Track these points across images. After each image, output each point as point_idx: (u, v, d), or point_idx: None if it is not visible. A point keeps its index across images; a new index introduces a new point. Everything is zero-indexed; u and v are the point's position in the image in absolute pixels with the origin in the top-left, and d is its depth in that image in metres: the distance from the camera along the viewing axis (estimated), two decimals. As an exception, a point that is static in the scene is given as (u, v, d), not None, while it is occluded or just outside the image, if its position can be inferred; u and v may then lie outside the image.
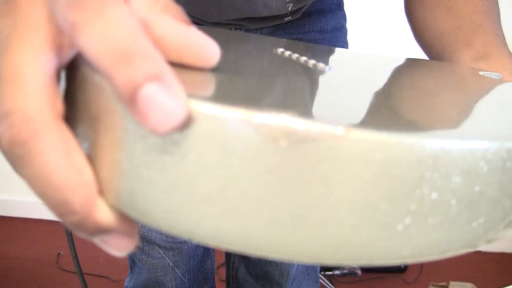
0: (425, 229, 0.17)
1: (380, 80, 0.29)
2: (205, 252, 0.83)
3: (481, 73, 0.36)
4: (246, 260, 0.86)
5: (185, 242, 0.76)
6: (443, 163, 0.17)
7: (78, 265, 0.50)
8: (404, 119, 0.19)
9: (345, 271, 1.56)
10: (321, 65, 0.26)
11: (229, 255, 0.89)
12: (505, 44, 0.45)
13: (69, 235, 0.48)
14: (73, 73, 0.20)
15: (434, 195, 0.17)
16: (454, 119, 0.21)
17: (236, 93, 0.18)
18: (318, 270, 0.91)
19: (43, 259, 1.62)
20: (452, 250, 0.18)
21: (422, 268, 1.64)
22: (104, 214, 0.19)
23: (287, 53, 0.29)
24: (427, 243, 0.18)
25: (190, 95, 0.17)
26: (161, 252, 0.76)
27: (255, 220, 0.17)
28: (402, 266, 1.59)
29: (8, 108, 0.18)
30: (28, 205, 1.86)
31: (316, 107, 0.19)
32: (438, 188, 0.17)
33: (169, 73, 0.16)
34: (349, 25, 0.70)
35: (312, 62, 0.27)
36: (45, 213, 1.83)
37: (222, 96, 0.17)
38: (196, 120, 0.16)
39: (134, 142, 0.17)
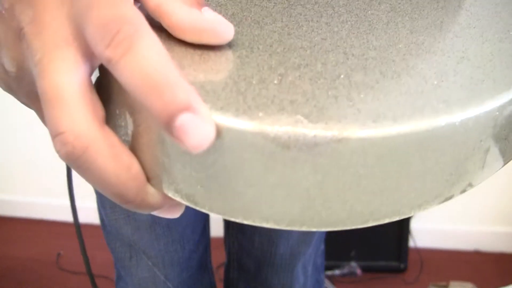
0: (423, 190, 0.21)
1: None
2: (201, 264, 0.78)
3: None
4: (247, 276, 0.82)
5: (175, 251, 0.72)
6: (435, 141, 0.20)
7: (88, 267, 0.49)
8: (402, 91, 0.21)
9: (345, 271, 1.56)
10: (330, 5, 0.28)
11: (227, 273, 0.86)
12: None
13: (80, 237, 0.48)
14: (107, 72, 0.22)
15: (429, 165, 0.21)
16: (450, 79, 0.23)
17: (251, 90, 0.21)
18: (324, 284, 0.88)
19: (43, 259, 1.62)
20: (442, 197, 0.22)
21: (422, 268, 1.63)
22: (154, 197, 0.23)
23: None
24: (424, 198, 0.21)
25: (213, 106, 0.20)
26: (149, 263, 0.71)
27: (278, 206, 0.20)
28: (402, 266, 1.59)
29: (59, 129, 0.20)
30: (28, 205, 1.86)
31: (326, 89, 0.21)
32: (432, 158, 0.20)
33: (197, 100, 0.19)
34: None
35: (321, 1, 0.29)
36: (45, 213, 1.83)
37: (241, 99, 0.20)
38: (221, 133, 0.19)
39: (170, 147, 0.21)
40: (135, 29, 0.19)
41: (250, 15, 0.26)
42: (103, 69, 0.23)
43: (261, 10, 0.27)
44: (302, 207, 0.21)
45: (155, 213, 0.24)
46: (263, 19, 0.26)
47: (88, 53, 0.21)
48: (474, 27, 0.27)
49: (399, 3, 0.29)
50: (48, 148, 1.70)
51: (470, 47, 0.25)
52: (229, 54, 0.23)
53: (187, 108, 0.18)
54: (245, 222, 0.21)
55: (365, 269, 1.57)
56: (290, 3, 0.28)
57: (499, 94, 0.21)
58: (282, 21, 0.26)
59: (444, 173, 0.21)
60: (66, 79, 0.20)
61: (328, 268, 1.54)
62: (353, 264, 1.56)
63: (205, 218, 0.76)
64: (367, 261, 1.58)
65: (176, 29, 0.22)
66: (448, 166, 0.21)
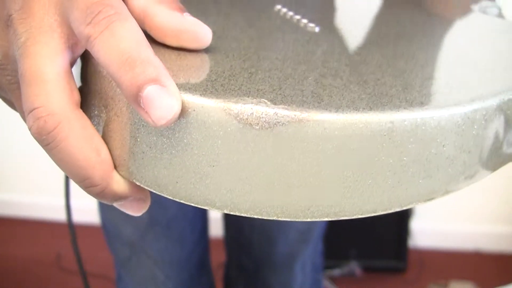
0: (385, 189, 0.21)
1: (363, 36, 0.31)
2: (201, 264, 0.77)
3: (475, 6, 0.35)
4: (246, 275, 0.82)
5: (175, 250, 0.71)
6: (397, 135, 0.20)
7: (81, 266, 0.50)
8: (366, 92, 0.22)
9: (345, 270, 1.56)
10: (311, 25, 0.30)
11: (227, 272, 0.86)
12: None
13: (73, 236, 0.48)
14: (87, 64, 0.24)
15: (391, 160, 0.21)
16: (416, 89, 0.24)
17: (221, 79, 0.22)
18: (322, 284, 0.88)
19: (43, 259, 1.62)
20: (412, 203, 0.22)
21: (422, 268, 1.64)
22: (119, 185, 0.23)
23: (283, 10, 0.32)
24: (388, 199, 0.22)
25: (181, 87, 0.20)
26: (149, 263, 0.71)
27: (239, 188, 0.21)
28: (402, 266, 1.59)
29: (34, 105, 0.21)
30: (28, 205, 1.86)
31: (293, 85, 0.22)
32: (394, 155, 0.21)
33: (166, 75, 0.20)
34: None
35: (304, 21, 0.30)
36: (45, 213, 1.83)
37: (210, 84, 0.21)
38: (187, 110, 0.20)
39: (138, 128, 0.22)
40: (115, 12, 0.21)
41: (230, 34, 0.28)
42: (84, 64, 0.25)
43: (241, 29, 0.29)
44: (262, 191, 0.21)
45: (118, 205, 0.24)
46: (241, 35, 0.28)
47: (70, 41, 0.22)
48: (442, 53, 0.29)
49: (377, 36, 0.31)
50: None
51: (439, 68, 0.26)
52: (205, 56, 0.24)
53: (154, 81, 0.19)
54: (206, 207, 0.21)
55: (365, 269, 1.57)
56: (270, 27, 0.30)
57: (463, 103, 0.22)
58: (259, 39, 0.28)
59: (406, 173, 0.21)
60: (47, 62, 0.21)
61: (328, 267, 1.54)
62: (353, 263, 1.56)
63: (204, 218, 0.76)
64: (367, 261, 1.58)
65: (158, 30, 0.23)
66: (410, 165, 0.21)
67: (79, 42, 0.23)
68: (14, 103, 0.25)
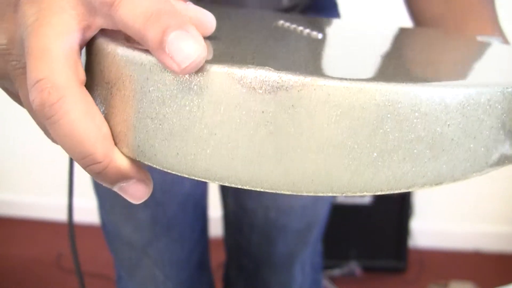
0: (391, 165, 0.21)
1: (365, 45, 0.32)
2: (201, 264, 0.77)
3: (479, 37, 0.37)
4: (245, 275, 0.81)
5: (175, 250, 0.71)
6: (402, 107, 0.20)
7: (78, 266, 0.50)
8: (371, 71, 0.22)
9: (345, 270, 1.56)
10: (314, 33, 0.31)
11: (227, 272, 0.86)
12: (498, 28, 0.44)
13: (72, 236, 0.48)
14: (91, 48, 0.25)
15: (396, 134, 0.20)
16: (419, 71, 0.24)
17: (225, 56, 0.23)
18: (321, 284, 0.88)
19: (43, 259, 1.62)
20: (418, 185, 0.22)
21: (422, 268, 1.64)
22: (122, 162, 0.23)
23: (286, 24, 0.33)
24: (394, 177, 0.21)
25: None
26: (149, 263, 0.70)
27: (241, 156, 0.21)
28: (402, 266, 1.59)
29: (38, 77, 0.21)
30: (28, 205, 1.86)
31: (296, 65, 0.23)
32: (399, 128, 0.20)
33: (190, 25, 0.21)
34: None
35: (307, 31, 0.31)
36: (45, 213, 1.83)
37: (214, 58, 0.22)
38: (190, 76, 0.21)
39: (140, 98, 0.22)
40: None
41: (233, 35, 0.29)
42: (87, 51, 0.25)
43: (244, 33, 0.30)
44: (264, 160, 0.21)
45: (120, 189, 0.24)
46: (244, 36, 0.28)
47: (83, 23, 0.23)
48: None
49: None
50: (48, 148, 1.70)
51: (445, 61, 0.27)
52: (208, 42, 0.24)
53: (179, 27, 0.20)
54: (206, 179, 0.21)
55: (365, 269, 1.57)
56: (274, 33, 0.31)
57: (467, 85, 0.22)
58: (262, 40, 0.28)
59: (412, 150, 0.21)
60: (55, 40, 0.22)
61: (328, 267, 1.54)
62: (353, 263, 1.56)
63: (204, 218, 0.76)
64: (367, 261, 1.58)
65: None
66: (415, 142, 0.21)
67: (92, 25, 0.23)
68: (19, 91, 0.25)
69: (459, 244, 1.75)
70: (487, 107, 0.22)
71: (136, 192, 0.24)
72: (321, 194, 0.21)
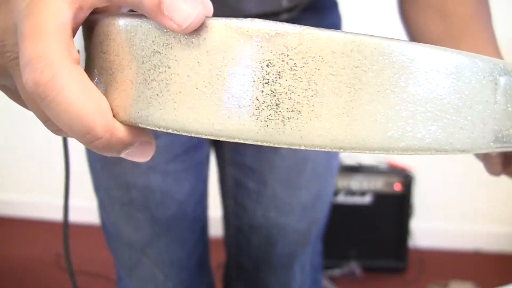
0: (388, 118, 0.21)
1: None
2: (201, 264, 0.77)
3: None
4: (245, 275, 0.81)
5: (175, 250, 0.71)
6: (394, 56, 0.21)
7: (70, 265, 0.49)
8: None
9: (345, 270, 1.56)
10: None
11: (227, 272, 0.86)
12: (496, 48, 0.45)
13: (65, 235, 0.48)
14: (87, 33, 0.25)
15: (389, 81, 0.21)
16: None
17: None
18: (321, 284, 0.88)
19: (43, 259, 1.62)
20: (414, 147, 0.22)
21: (422, 268, 1.64)
22: (123, 131, 0.23)
23: None
24: (390, 135, 0.21)
25: None
26: (149, 263, 0.70)
27: (235, 108, 0.21)
28: (402, 266, 1.59)
29: (32, 55, 0.21)
30: (28, 205, 1.86)
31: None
32: (392, 78, 0.21)
33: None
34: (344, 28, 0.70)
35: None
36: (45, 213, 1.83)
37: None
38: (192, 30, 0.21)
39: (139, 61, 0.22)
40: None
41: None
42: (84, 29, 0.25)
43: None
44: (260, 111, 0.21)
45: (127, 155, 0.24)
46: None
47: (75, 5, 0.23)
48: None
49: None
50: (48, 148, 1.70)
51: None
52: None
53: None
54: (204, 135, 0.21)
55: (365, 269, 1.57)
56: None
57: (460, 53, 0.22)
58: None
59: (407, 107, 0.21)
60: (48, 18, 0.22)
61: (328, 267, 1.54)
62: (353, 263, 1.56)
63: (204, 218, 0.76)
64: (367, 261, 1.58)
65: None
66: (410, 95, 0.21)
67: (84, 6, 0.23)
68: (17, 84, 0.25)
69: (459, 244, 1.76)
70: (481, 77, 0.23)
71: (142, 154, 0.25)
72: (316, 149, 0.21)
